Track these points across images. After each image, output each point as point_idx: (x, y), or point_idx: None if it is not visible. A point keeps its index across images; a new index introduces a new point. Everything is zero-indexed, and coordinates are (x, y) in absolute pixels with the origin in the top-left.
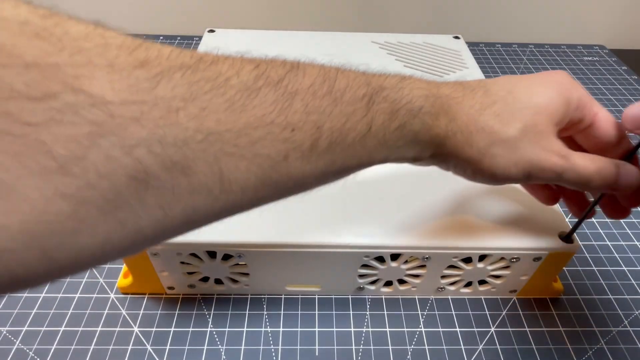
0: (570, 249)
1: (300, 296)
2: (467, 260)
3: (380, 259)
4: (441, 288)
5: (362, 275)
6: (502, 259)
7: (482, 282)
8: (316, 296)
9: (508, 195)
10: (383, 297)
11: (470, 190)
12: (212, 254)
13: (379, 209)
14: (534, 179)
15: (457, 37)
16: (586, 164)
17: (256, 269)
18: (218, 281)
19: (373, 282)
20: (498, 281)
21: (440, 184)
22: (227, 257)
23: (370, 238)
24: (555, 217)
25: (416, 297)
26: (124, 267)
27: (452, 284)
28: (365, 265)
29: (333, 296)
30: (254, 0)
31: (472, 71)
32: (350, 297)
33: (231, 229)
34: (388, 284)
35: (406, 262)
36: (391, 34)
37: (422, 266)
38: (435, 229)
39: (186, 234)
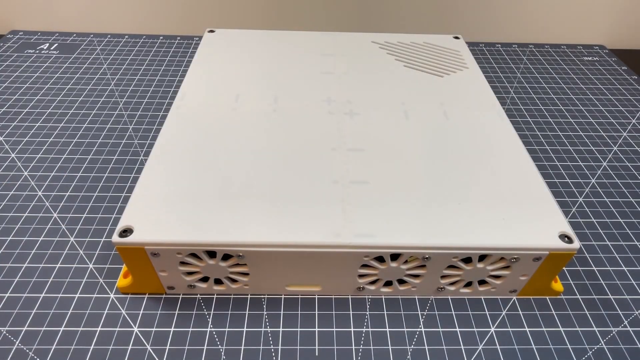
0: (570, 249)
1: (300, 296)
2: (467, 260)
3: (380, 259)
4: (441, 288)
5: (362, 275)
6: (502, 259)
7: (482, 282)
8: (316, 296)
9: (508, 194)
10: (383, 297)
11: (470, 190)
12: (212, 254)
13: (379, 209)
14: None
15: (457, 37)
16: None
17: (256, 269)
18: (218, 281)
19: (373, 282)
20: (498, 281)
21: (440, 185)
22: (227, 257)
23: (370, 238)
24: (556, 217)
25: (416, 297)
26: (124, 267)
27: (452, 284)
28: (365, 265)
29: (333, 296)
30: (254, 0)
31: (472, 71)
32: (350, 297)
33: (231, 229)
34: (388, 284)
35: (406, 262)
36: (391, 34)
37: (422, 266)
38: (436, 228)
39: (186, 234)
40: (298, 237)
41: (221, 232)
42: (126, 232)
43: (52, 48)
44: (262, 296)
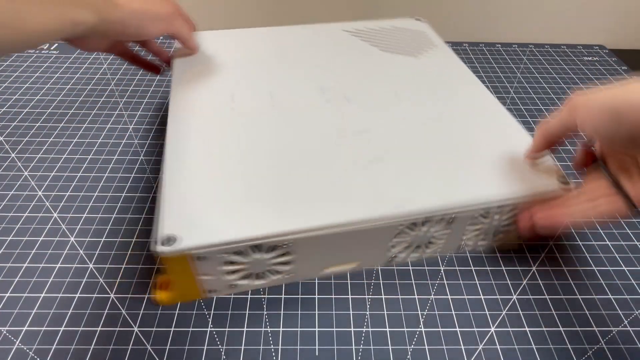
0: (566, 189)
1: (300, 296)
2: (486, 215)
3: (411, 227)
4: (461, 246)
5: (393, 246)
6: (513, 208)
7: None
8: (316, 296)
9: (507, 151)
10: (383, 297)
11: (473, 150)
12: (256, 248)
13: (403, 180)
14: None
15: (418, 20)
16: None
17: (300, 256)
18: (258, 275)
19: (404, 249)
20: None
21: (447, 150)
22: (271, 248)
23: (407, 205)
24: (548, 164)
25: (416, 297)
26: (158, 279)
27: (472, 238)
28: (398, 234)
29: (333, 296)
30: (254, 0)
31: (442, 49)
32: (350, 297)
33: (276, 220)
34: (416, 249)
35: (434, 224)
36: (358, 22)
37: (447, 226)
38: (457, 189)
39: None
40: (342, 216)
41: (267, 225)
42: (169, 240)
43: (52, 48)
44: (262, 296)
